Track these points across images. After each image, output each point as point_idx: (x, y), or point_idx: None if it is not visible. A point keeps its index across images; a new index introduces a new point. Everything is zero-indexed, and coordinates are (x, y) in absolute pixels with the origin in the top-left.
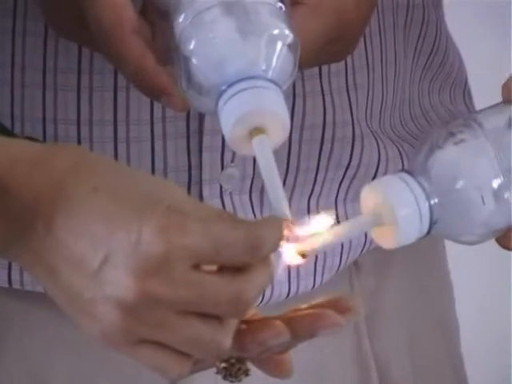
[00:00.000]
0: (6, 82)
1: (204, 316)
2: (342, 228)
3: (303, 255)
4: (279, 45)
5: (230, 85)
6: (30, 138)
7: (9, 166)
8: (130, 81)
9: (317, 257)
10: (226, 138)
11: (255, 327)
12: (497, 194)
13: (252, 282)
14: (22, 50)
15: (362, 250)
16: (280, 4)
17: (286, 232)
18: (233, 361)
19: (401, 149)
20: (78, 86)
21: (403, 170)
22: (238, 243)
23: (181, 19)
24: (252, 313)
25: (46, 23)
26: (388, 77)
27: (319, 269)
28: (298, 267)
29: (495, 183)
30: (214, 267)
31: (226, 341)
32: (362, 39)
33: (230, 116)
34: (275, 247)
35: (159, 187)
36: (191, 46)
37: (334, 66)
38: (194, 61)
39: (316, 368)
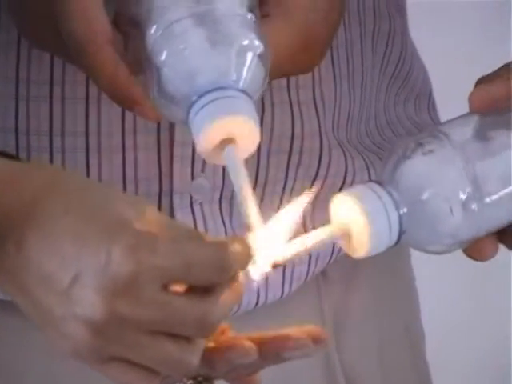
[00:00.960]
0: None
1: (172, 335)
2: (312, 238)
3: (273, 265)
4: (250, 55)
5: (201, 95)
6: (4, 154)
7: None
8: (103, 91)
9: (285, 266)
10: (197, 147)
11: (224, 346)
12: (465, 205)
13: (218, 305)
14: None
15: (330, 260)
16: (250, 14)
17: (253, 251)
18: (200, 379)
19: (367, 159)
20: (50, 97)
21: (372, 180)
22: (206, 263)
23: (152, 30)
24: (223, 327)
25: (19, 33)
26: (355, 89)
27: (287, 278)
28: (267, 277)
29: (463, 194)
30: (182, 287)
31: (194, 359)
32: (330, 51)
33: (201, 126)
34: (243, 267)
35: (130, 207)
36: (163, 57)
37: (301, 78)
38: (165, 71)
39: (285, 380)
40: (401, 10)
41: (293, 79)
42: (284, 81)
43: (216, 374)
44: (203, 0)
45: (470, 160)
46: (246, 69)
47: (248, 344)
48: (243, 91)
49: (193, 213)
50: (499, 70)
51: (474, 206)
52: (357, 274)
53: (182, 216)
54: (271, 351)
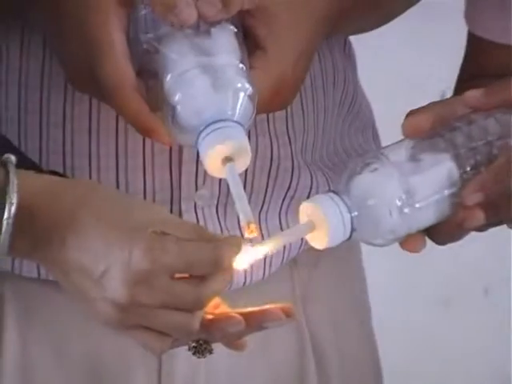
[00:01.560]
0: (36, 125)
1: (178, 308)
2: (286, 233)
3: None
4: (242, 95)
5: (206, 126)
6: (54, 172)
7: (35, 197)
8: (129, 123)
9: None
10: (204, 165)
11: (219, 318)
12: (400, 209)
13: (210, 288)
14: (48, 96)
15: (299, 250)
16: (242, 65)
17: (241, 247)
18: (201, 342)
19: (327, 176)
20: (89, 129)
21: (331, 190)
22: (203, 261)
23: (168, 78)
24: (217, 301)
25: (66, 80)
26: (318, 123)
27: (267, 263)
28: (253, 262)
29: (399, 201)
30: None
31: (195, 325)
32: (299, 93)
33: (207, 148)
34: (233, 261)
35: (147, 214)
36: (176, 98)
37: (277, 114)
38: (178, 109)
39: (266, 344)
40: (352, 63)
41: (271, 115)
42: (264, 116)
43: (213, 338)
44: (206, 54)
45: (404, 175)
46: (239, 105)
47: (237, 317)
48: (237, 122)
49: (196, 215)
50: (426, 105)
51: (407, 210)
52: (319, 261)
53: (188, 218)
54: (254, 322)
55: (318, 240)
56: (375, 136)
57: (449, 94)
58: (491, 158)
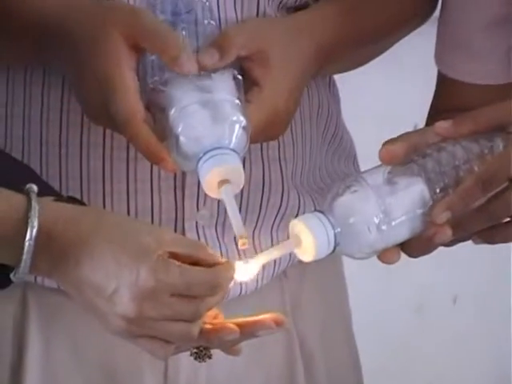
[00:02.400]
0: (56, 155)
1: (179, 319)
2: (277, 248)
3: (252, 266)
4: (237, 127)
5: (205, 152)
6: (72, 198)
7: (53, 222)
8: (139, 151)
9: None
10: (203, 187)
11: (217, 327)
12: (378, 227)
13: (207, 305)
14: (67, 129)
15: (288, 263)
16: (238, 101)
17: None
18: (201, 348)
19: (313, 197)
20: (102, 157)
21: (317, 209)
22: (202, 284)
23: (172, 111)
24: (215, 312)
25: (83, 114)
26: (305, 151)
27: (260, 276)
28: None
29: (377, 219)
30: None
31: (194, 332)
32: (290, 125)
33: (206, 172)
34: (229, 284)
35: (152, 238)
36: (180, 129)
37: (271, 143)
38: (181, 138)
39: (260, 349)
40: (336, 99)
41: (265, 144)
42: (259, 145)
43: (211, 345)
44: (206, 91)
45: (381, 196)
46: (234, 135)
47: (232, 326)
48: (233, 150)
49: (198, 233)
50: (401, 135)
51: (384, 227)
52: (306, 274)
53: (191, 236)
54: (248, 331)
55: (306, 253)
56: (356, 163)
57: (421, 125)
58: (458, 180)
